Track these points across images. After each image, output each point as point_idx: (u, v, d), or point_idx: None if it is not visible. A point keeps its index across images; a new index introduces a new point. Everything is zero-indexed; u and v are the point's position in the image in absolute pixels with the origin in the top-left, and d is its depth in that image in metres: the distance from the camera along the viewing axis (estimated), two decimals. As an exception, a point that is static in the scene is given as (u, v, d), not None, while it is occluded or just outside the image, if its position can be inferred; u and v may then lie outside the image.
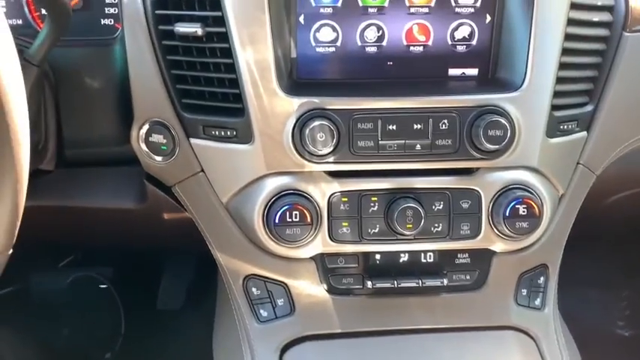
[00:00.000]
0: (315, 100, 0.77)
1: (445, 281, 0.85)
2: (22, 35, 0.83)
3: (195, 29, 0.75)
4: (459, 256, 0.86)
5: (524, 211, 0.81)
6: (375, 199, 0.81)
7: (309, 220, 0.78)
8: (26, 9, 0.94)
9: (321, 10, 0.79)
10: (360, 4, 0.79)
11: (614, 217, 1.17)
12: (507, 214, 0.81)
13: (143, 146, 0.82)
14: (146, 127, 0.81)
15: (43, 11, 0.94)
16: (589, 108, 0.86)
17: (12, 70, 0.52)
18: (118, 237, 1.10)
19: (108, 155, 0.90)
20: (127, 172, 0.90)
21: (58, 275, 1.44)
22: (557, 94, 0.80)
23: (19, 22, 0.94)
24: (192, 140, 0.82)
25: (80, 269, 1.45)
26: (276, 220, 0.78)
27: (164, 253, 1.43)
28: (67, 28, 0.79)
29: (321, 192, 0.80)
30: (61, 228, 1.03)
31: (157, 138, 0.81)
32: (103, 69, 0.86)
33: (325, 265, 0.85)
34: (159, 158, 0.83)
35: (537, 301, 0.91)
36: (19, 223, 0.55)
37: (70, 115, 0.87)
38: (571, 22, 0.79)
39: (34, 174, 0.81)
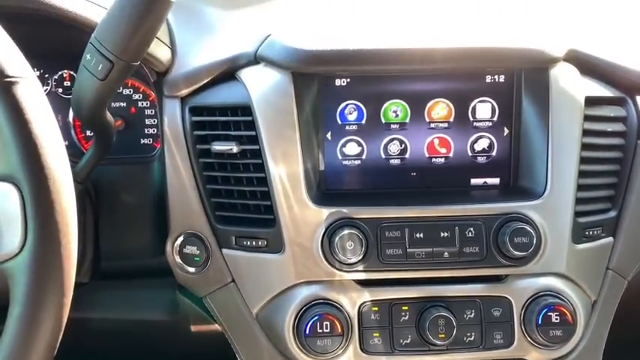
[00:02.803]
0: (344, 210, 0.80)
1: (481, 394, 0.82)
2: (68, 155, 0.89)
3: (231, 147, 0.81)
4: None
5: (556, 319, 0.80)
6: (406, 308, 0.80)
7: (339, 330, 0.78)
8: (73, 131, 1.01)
9: (347, 127, 0.85)
10: (383, 121, 0.85)
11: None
12: (540, 321, 0.80)
13: (177, 258, 0.85)
14: (180, 239, 0.84)
15: (88, 133, 1.01)
16: (613, 214, 0.87)
17: (69, 190, 0.56)
18: (146, 349, 1.09)
19: (141, 267, 0.93)
20: (159, 284, 0.92)
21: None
22: (579, 200, 0.82)
23: (66, 143, 1.01)
24: (225, 251, 0.84)
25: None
26: (307, 331, 0.78)
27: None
28: (110, 149, 0.85)
29: (352, 301, 0.80)
30: (89, 341, 1.03)
31: (190, 249, 0.84)
32: (140, 185, 0.91)
33: (357, 378, 0.83)
34: (192, 269, 0.85)
35: (580, 416, 0.87)
36: (60, 337, 0.57)
37: (108, 228, 0.91)
38: (586, 132, 0.83)
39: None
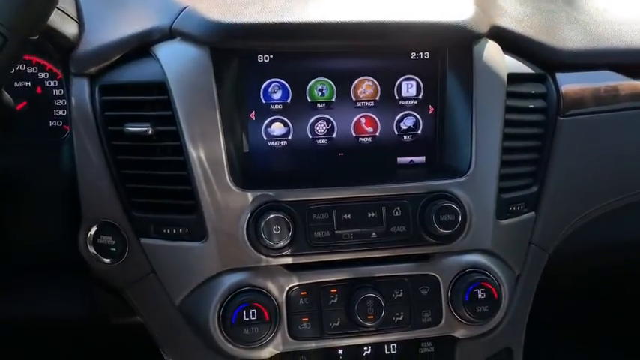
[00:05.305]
0: (270, 193, 0.77)
1: (411, 373, 0.82)
2: (-35, 141, 0.81)
3: (146, 128, 0.76)
4: (422, 345, 0.84)
5: (482, 295, 0.81)
6: (335, 290, 0.79)
7: (267, 317, 0.76)
8: (-31, 113, 0.92)
9: (272, 107, 0.81)
10: (309, 100, 0.82)
11: (578, 295, 1.18)
12: (467, 298, 0.81)
13: (91, 249, 0.79)
14: (94, 228, 0.79)
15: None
16: (534, 189, 0.89)
17: None
18: (62, 349, 1.02)
19: (54, 261, 0.86)
20: (74, 278, 0.86)
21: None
22: (503, 177, 0.83)
23: (-38, 127, 0.92)
24: (143, 240, 0.79)
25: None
26: (233, 320, 0.75)
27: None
28: (9, 132, 0.77)
29: (279, 286, 0.78)
30: (1, 343, 0.96)
31: (105, 239, 0.79)
32: (50, 171, 0.84)
33: (286, 366, 0.81)
34: (108, 260, 0.79)
35: (505, 387, 0.89)
36: None
37: (15, 220, 0.84)
38: (509, 109, 0.84)
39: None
